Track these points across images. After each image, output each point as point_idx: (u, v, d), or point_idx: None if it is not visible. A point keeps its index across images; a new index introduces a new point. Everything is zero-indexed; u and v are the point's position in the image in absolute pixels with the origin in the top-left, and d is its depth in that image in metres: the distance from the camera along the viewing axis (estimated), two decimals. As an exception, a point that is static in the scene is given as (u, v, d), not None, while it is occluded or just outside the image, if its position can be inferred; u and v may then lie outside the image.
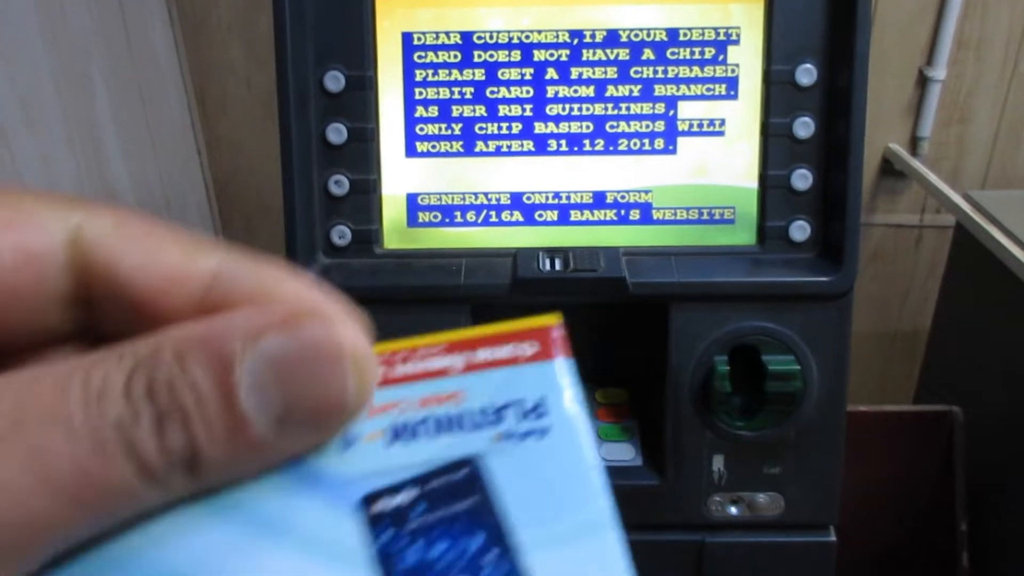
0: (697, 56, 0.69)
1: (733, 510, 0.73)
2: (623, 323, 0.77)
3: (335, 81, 0.69)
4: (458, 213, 0.72)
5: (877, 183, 1.44)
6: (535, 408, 0.21)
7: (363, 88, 0.69)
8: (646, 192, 0.71)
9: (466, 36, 0.69)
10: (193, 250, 0.20)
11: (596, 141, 0.71)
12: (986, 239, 1.13)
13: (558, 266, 0.69)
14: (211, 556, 0.20)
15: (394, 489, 0.20)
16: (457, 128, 0.70)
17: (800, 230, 0.70)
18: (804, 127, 0.69)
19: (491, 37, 0.69)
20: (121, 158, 1.21)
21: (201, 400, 0.17)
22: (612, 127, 0.70)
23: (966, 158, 1.42)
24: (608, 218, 0.72)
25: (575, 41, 0.69)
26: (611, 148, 0.71)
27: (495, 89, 0.70)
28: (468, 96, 0.70)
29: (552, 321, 0.22)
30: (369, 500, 0.20)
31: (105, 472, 0.16)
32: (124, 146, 1.22)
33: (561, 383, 0.21)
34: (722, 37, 0.69)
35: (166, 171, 1.34)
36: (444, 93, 0.70)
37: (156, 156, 1.31)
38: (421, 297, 0.69)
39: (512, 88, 0.70)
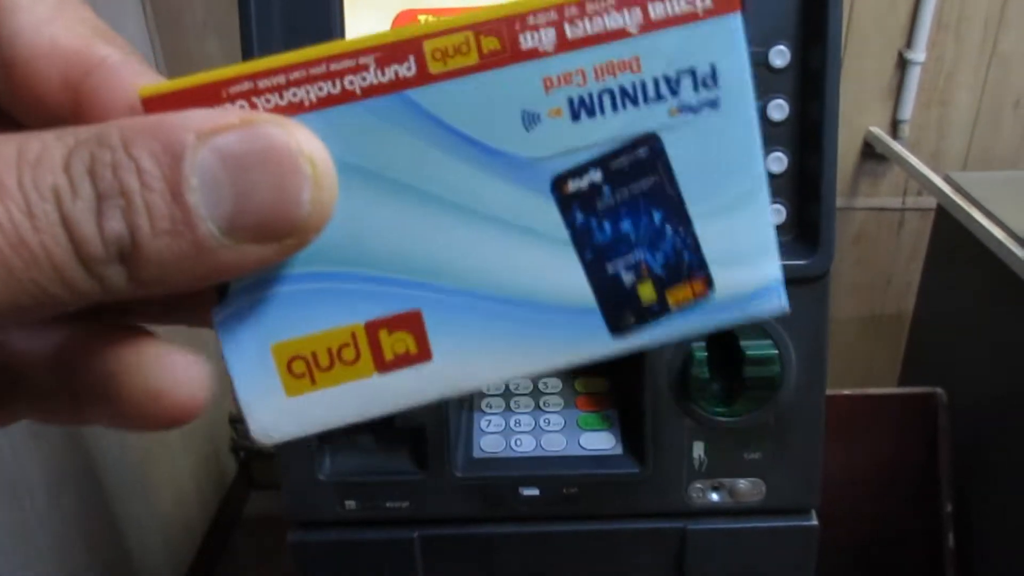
0: (669, 40, 0.69)
1: (714, 497, 0.73)
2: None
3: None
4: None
5: (858, 166, 1.44)
6: (711, 75, 0.20)
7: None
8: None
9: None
10: (98, 35, 0.19)
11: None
12: (967, 221, 1.13)
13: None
14: (417, 241, 0.21)
15: (581, 170, 0.21)
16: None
17: (776, 214, 0.70)
18: (778, 110, 0.69)
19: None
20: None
21: (147, 185, 0.16)
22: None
23: (947, 140, 1.42)
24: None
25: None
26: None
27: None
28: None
29: None
30: (559, 182, 0.21)
31: (37, 241, 0.15)
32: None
33: (737, 45, 0.20)
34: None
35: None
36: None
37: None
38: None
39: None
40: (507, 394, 0.77)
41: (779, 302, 0.22)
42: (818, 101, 0.66)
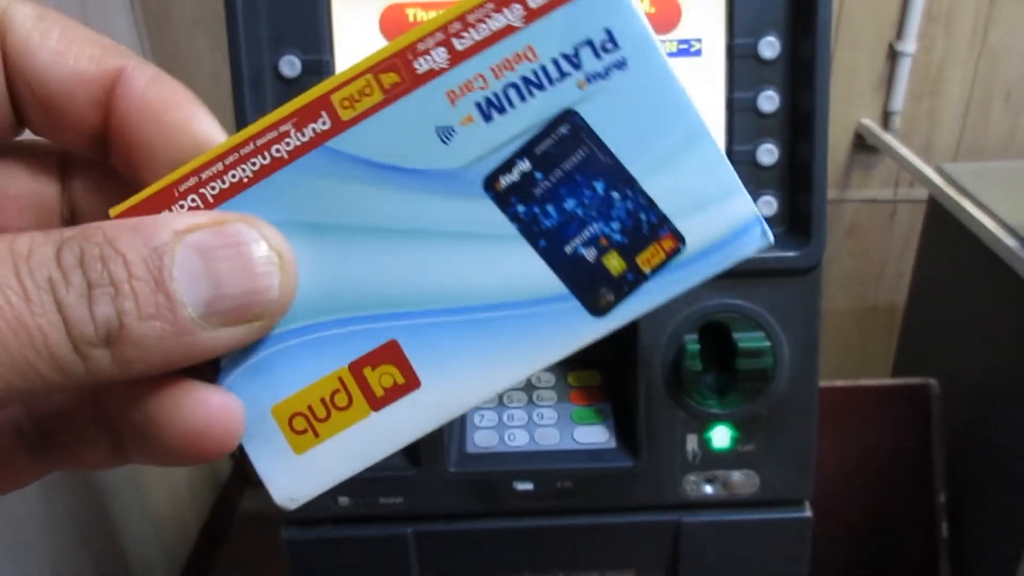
0: (659, 31, 0.68)
1: (708, 489, 0.73)
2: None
3: (291, 66, 0.67)
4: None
5: (850, 159, 1.44)
6: (608, 39, 0.21)
7: (319, 73, 0.68)
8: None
9: (424, 17, 0.68)
10: (106, 52, 0.21)
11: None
12: (959, 212, 1.13)
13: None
14: (376, 275, 0.22)
15: (508, 164, 0.21)
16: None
17: (767, 205, 0.70)
18: (769, 101, 0.68)
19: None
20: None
21: (133, 276, 0.18)
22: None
23: (938, 131, 1.42)
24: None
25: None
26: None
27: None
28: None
29: None
30: (490, 181, 0.21)
31: (34, 323, 0.17)
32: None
33: (623, 3, 0.21)
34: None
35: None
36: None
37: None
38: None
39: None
40: (500, 389, 0.77)
41: (761, 237, 0.22)
42: (809, 92, 0.66)
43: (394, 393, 0.22)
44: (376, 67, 0.21)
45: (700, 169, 0.22)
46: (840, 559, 1.23)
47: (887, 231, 1.49)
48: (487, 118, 0.21)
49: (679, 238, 0.22)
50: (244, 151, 0.21)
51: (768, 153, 0.69)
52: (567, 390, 0.77)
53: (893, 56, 1.36)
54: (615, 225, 0.22)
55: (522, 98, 0.21)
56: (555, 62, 0.21)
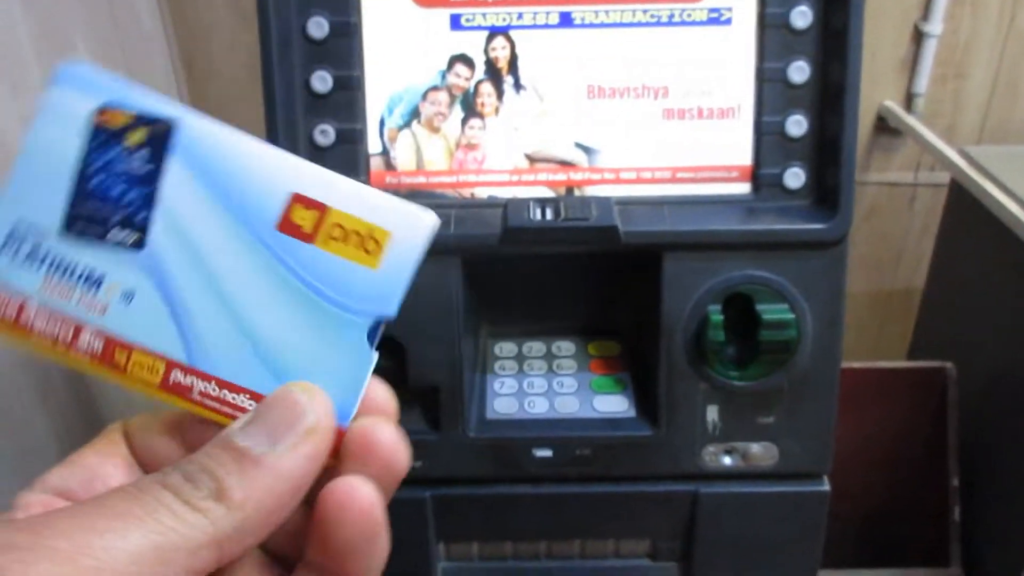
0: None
1: (727, 460, 0.73)
2: (615, 274, 0.76)
3: (318, 27, 0.67)
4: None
5: (871, 141, 1.42)
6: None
7: (348, 34, 0.68)
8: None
9: (453, -20, 0.67)
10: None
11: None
12: (982, 195, 1.12)
13: (549, 215, 0.67)
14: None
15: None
16: (445, 76, 0.69)
17: (795, 177, 0.69)
18: (799, 72, 0.68)
19: (479, -19, 0.67)
20: (106, 120, 1.19)
21: (213, 457, 0.25)
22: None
23: (962, 114, 1.40)
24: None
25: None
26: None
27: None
28: (456, 42, 0.68)
29: None
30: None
31: (157, 515, 0.23)
32: (108, 108, 1.20)
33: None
34: (715, -21, 0.68)
35: (152, 134, 1.32)
36: (431, 39, 0.68)
37: (142, 119, 1.29)
38: (410, 248, 0.68)
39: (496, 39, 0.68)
40: (520, 357, 0.77)
41: None
42: (840, 62, 0.65)
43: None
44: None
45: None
46: (851, 540, 1.23)
47: (906, 215, 1.48)
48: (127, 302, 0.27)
49: None
50: None
51: (797, 124, 0.68)
52: (587, 359, 0.77)
53: (918, 37, 1.35)
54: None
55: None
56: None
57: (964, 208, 1.22)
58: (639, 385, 0.75)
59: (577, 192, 0.71)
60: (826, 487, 0.74)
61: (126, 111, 0.27)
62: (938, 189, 1.41)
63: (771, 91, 0.68)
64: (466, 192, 0.71)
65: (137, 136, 0.27)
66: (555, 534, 0.77)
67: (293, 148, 0.68)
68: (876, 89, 1.39)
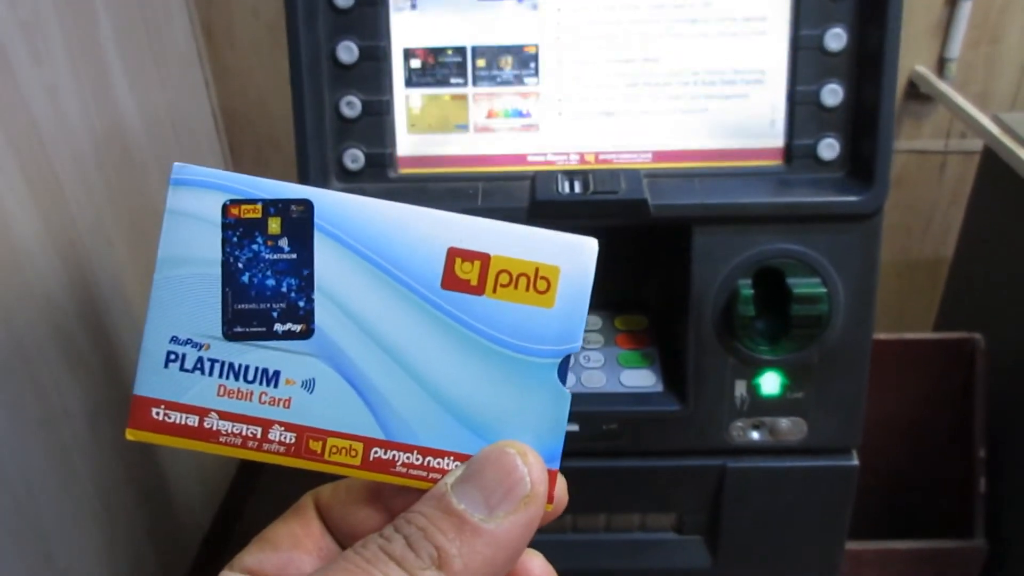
0: (723, -35, 0.66)
1: (755, 435, 0.72)
2: (644, 247, 0.75)
3: (344, -4, 0.66)
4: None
5: (902, 107, 1.40)
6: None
7: (373, 4, 0.66)
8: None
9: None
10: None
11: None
12: (1015, 162, 1.09)
13: (578, 188, 0.67)
14: None
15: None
16: (472, 45, 0.68)
17: (829, 148, 0.68)
18: (836, 39, 0.66)
19: (507, -53, 0.66)
20: (128, 89, 1.19)
21: (431, 519, 0.25)
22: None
23: (996, 80, 1.37)
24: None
25: (595, -50, 0.66)
26: (632, 65, 0.68)
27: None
28: (483, 11, 0.67)
29: None
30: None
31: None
32: (130, 77, 1.19)
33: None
34: (750, -56, 0.66)
35: (174, 102, 1.31)
36: (458, 8, 0.67)
37: (163, 87, 1.28)
38: (437, 222, 0.67)
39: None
40: (546, 330, 0.77)
41: None
42: (878, 29, 0.63)
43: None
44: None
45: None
46: (876, 511, 1.23)
47: (936, 183, 1.45)
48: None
49: None
50: None
51: (832, 94, 0.67)
52: (614, 333, 0.77)
53: (952, 1, 1.31)
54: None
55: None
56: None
57: (996, 176, 1.19)
58: (666, 360, 0.74)
59: (606, 165, 0.70)
60: (855, 462, 0.74)
61: (254, 202, 0.26)
62: (969, 157, 1.38)
63: (806, 59, 0.67)
64: (493, 164, 0.71)
65: (274, 224, 0.26)
66: (583, 508, 0.77)
67: (319, 120, 0.67)
68: (907, 54, 1.35)
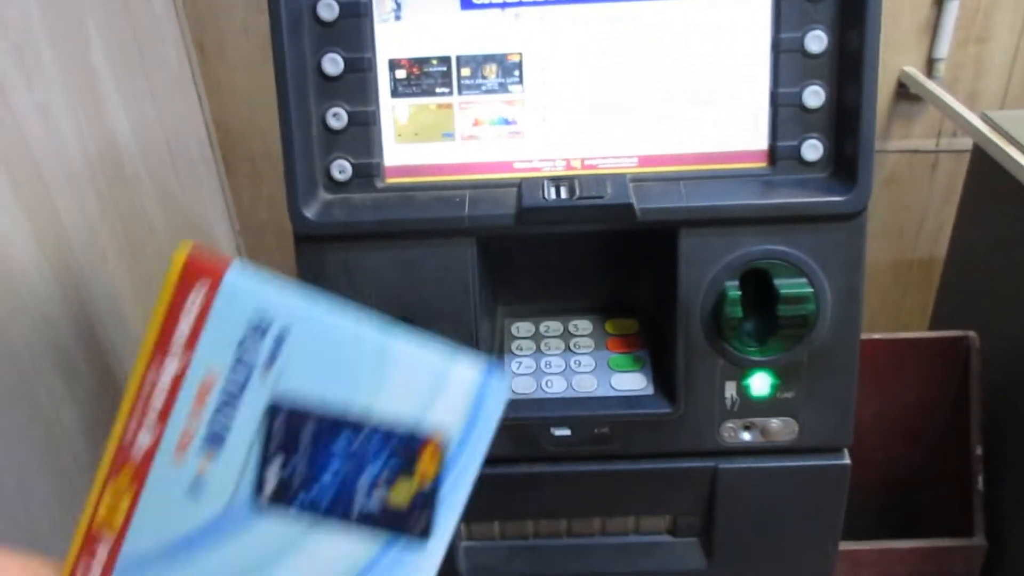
0: (703, -30, 0.67)
1: (746, 436, 0.73)
2: (632, 252, 0.76)
3: (329, 9, 0.67)
4: (460, 143, 0.70)
5: (892, 108, 1.40)
6: (262, 319, 0.22)
7: (358, 15, 0.67)
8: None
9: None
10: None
11: (600, 64, 0.68)
12: (1005, 160, 1.10)
13: (564, 194, 0.67)
14: None
15: (261, 478, 0.23)
16: (456, 55, 0.68)
17: (812, 149, 0.68)
18: (816, 41, 0.67)
19: (488, -43, 0.67)
20: (121, 107, 1.19)
21: None
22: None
23: (984, 79, 1.38)
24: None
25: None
26: (615, 70, 0.68)
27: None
28: (466, 21, 0.68)
29: (182, 257, 0.22)
30: (257, 498, 0.23)
31: None
32: (123, 94, 1.20)
33: (254, 290, 0.23)
34: (729, -51, 0.66)
35: (167, 118, 1.32)
36: (441, 18, 0.68)
37: (156, 103, 1.29)
38: (425, 230, 0.68)
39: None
40: (537, 336, 0.77)
41: (500, 386, 0.25)
42: (858, 30, 0.64)
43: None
44: (108, 479, 0.23)
45: (409, 370, 0.23)
46: (875, 510, 1.23)
47: (928, 182, 1.46)
48: (216, 454, 0.23)
49: (437, 434, 0.23)
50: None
51: (815, 95, 0.67)
52: (604, 337, 0.77)
53: (939, 1, 1.32)
54: (378, 463, 0.23)
55: (231, 417, 0.23)
56: (233, 371, 0.22)
57: (986, 174, 1.20)
58: (657, 362, 0.74)
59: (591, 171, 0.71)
60: (847, 460, 0.74)
61: None
62: (960, 156, 1.39)
63: (788, 62, 0.67)
64: (480, 172, 0.71)
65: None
66: (576, 512, 0.77)
67: (306, 131, 0.68)
68: (896, 55, 1.36)
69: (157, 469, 0.23)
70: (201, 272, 0.22)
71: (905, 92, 1.38)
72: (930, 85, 1.30)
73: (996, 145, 1.11)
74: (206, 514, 0.23)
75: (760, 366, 0.70)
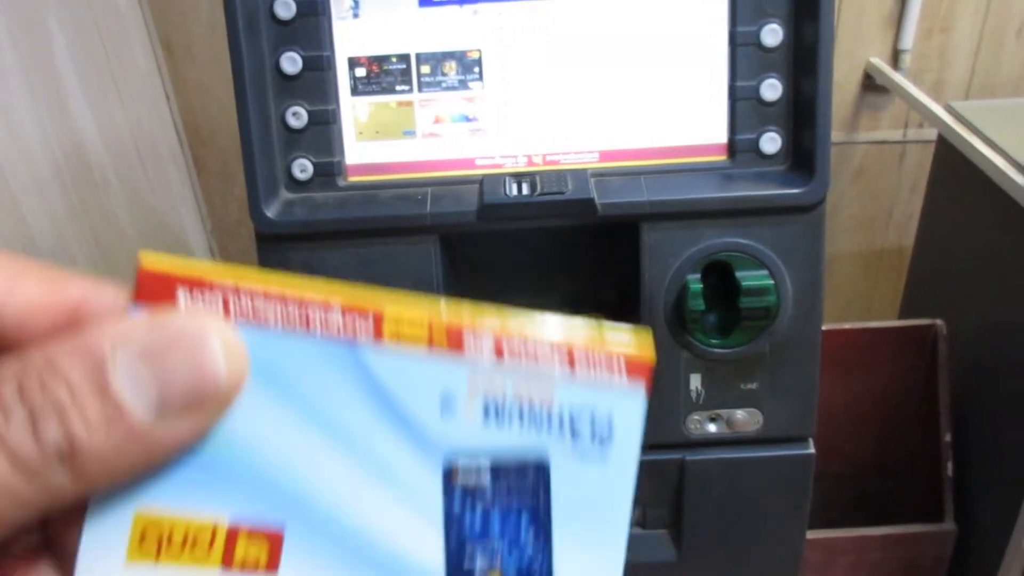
0: (660, -35, 0.67)
1: (712, 428, 0.73)
2: (595, 247, 0.76)
3: (286, 8, 0.66)
4: (422, 141, 0.70)
5: (859, 99, 1.41)
6: (608, 435, 0.23)
7: (316, 14, 0.67)
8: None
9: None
10: (55, 280, 0.21)
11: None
12: (968, 150, 1.11)
13: (525, 190, 0.67)
14: (308, 468, 0.23)
15: (475, 469, 0.23)
16: (416, 52, 0.68)
17: (771, 142, 0.69)
18: (772, 35, 0.67)
19: (445, -46, 0.67)
20: (87, 107, 1.18)
21: (75, 393, 0.18)
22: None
23: (949, 69, 1.39)
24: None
25: (533, -45, 0.67)
26: (575, 66, 0.69)
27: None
28: (425, 18, 0.68)
29: (649, 356, 0.23)
30: (451, 471, 0.23)
31: None
32: (89, 95, 1.19)
33: (637, 418, 0.23)
34: (685, -57, 0.67)
35: (134, 118, 1.31)
36: (400, 16, 0.68)
37: (123, 103, 1.28)
38: (388, 228, 0.68)
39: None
40: (504, 332, 0.77)
41: None
42: (813, 22, 0.64)
43: (250, 566, 0.23)
44: (437, 323, 0.23)
45: (601, 566, 0.24)
46: (846, 498, 1.25)
47: (896, 173, 1.47)
48: (485, 420, 0.23)
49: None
50: (289, 301, 0.22)
51: (772, 88, 0.68)
52: (571, 332, 0.77)
53: (904, -8, 1.33)
54: (513, 561, 0.24)
55: (521, 427, 0.23)
56: (561, 421, 0.23)
57: (951, 164, 1.21)
58: (623, 356, 0.75)
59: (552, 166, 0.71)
60: (811, 450, 0.75)
61: None
62: (927, 146, 1.40)
63: (744, 55, 0.68)
64: (442, 169, 0.71)
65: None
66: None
67: (266, 131, 0.68)
68: (862, 46, 1.37)
69: (458, 367, 0.24)
70: (643, 379, 0.24)
71: (872, 84, 1.39)
72: (895, 76, 1.32)
73: (960, 135, 1.13)
74: (423, 424, 0.23)
75: (724, 358, 0.71)
